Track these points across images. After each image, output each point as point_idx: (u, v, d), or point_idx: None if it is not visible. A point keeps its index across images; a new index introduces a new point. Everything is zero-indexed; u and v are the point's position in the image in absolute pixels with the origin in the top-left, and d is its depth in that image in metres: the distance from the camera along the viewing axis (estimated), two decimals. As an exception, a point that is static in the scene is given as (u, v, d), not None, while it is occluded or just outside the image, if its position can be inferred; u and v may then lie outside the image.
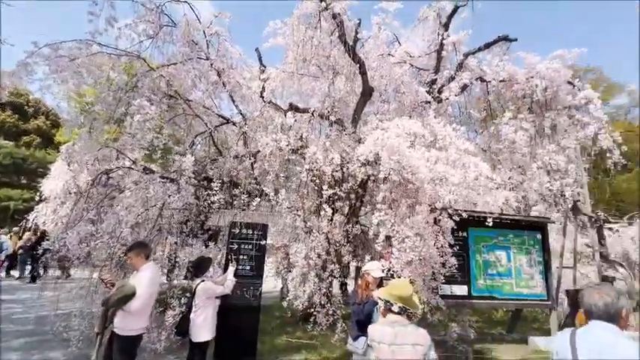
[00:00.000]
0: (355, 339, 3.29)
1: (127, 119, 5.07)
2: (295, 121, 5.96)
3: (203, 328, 3.66)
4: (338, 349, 5.31)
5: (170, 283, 5.16)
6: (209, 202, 5.15)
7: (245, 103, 6.72)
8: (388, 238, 3.93)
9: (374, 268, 3.47)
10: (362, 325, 3.28)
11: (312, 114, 5.57)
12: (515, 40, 6.28)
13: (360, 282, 3.56)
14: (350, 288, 6.65)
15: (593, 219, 7.29)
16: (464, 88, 6.51)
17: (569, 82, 5.83)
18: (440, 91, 6.43)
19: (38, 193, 12.06)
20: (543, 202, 7.57)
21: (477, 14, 6.23)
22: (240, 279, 5.00)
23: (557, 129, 5.94)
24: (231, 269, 4.31)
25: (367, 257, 4.28)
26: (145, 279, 3.09)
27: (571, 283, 7.91)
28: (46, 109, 27.46)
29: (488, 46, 6.52)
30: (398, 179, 3.97)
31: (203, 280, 3.77)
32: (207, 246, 5.45)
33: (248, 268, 5.13)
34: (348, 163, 4.69)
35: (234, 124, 6.58)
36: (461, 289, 6.28)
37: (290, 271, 6.49)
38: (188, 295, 4.74)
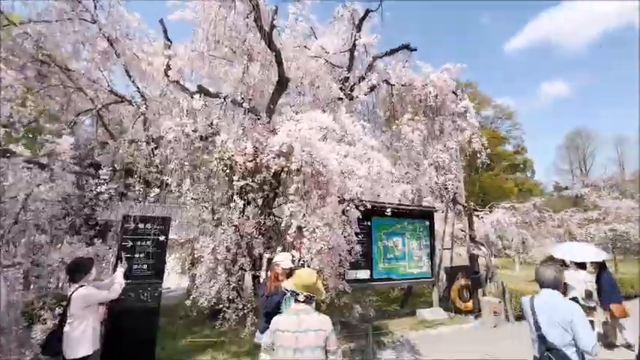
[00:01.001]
0: (262, 331, 3.27)
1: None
2: (205, 105, 5.51)
3: (80, 342, 3.08)
4: (247, 344, 5.22)
5: (41, 291, 4.24)
6: (96, 192, 4.38)
7: (145, 81, 5.90)
8: (300, 228, 4.00)
9: (283, 259, 3.49)
10: (270, 316, 3.27)
11: (225, 99, 5.24)
12: (415, 49, 7.05)
13: (269, 274, 3.55)
14: (262, 280, 6.60)
15: (466, 208, 8.83)
16: (372, 88, 7.03)
17: (454, 92, 6.87)
18: (351, 89, 6.80)
19: None
20: (432, 194, 8.82)
21: (388, 21, 6.77)
22: (136, 279, 4.46)
23: (444, 132, 6.94)
24: (120, 270, 3.70)
25: (279, 249, 4.28)
26: None
27: (449, 262, 9.52)
28: None
29: (393, 52, 7.16)
30: (310, 171, 4.06)
31: (82, 286, 3.18)
32: (91, 244, 4.64)
33: (145, 266, 4.58)
34: (261, 153, 4.58)
35: (130, 103, 5.71)
36: (364, 273, 6.89)
37: (196, 267, 6.08)
38: (63, 304, 4.02)
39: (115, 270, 4.23)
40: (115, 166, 4.75)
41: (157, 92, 5.73)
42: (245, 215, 4.97)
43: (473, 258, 8.33)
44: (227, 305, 4.64)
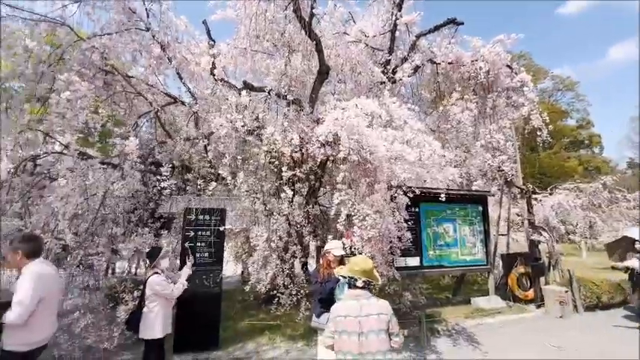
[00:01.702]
0: (319, 316, 3.39)
1: (52, 97, 4.43)
2: (250, 100, 5.70)
3: (154, 324, 3.40)
4: (302, 327, 5.44)
5: (121, 276, 4.79)
6: (159, 188, 4.78)
7: (194, 81, 6.23)
8: (349, 216, 4.02)
9: (335, 247, 3.55)
10: (324, 302, 3.38)
11: (269, 93, 5.36)
12: (462, 23, 6.57)
13: (321, 261, 3.63)
14: (311, 268, 6.78)
15: (524, 190, 8.19)
16: (416, 69, 6.71)
17: (508, 66, 6.31)
18: (394, 72, 6.56)
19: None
20: (482, 177, 8.31)
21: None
22: (200, 267, 4.84)
23: (497, 110, 6.44)
24: (186, 272, 3.94)
25: (329, 237, 4.35)
26: (24, 284, 2.48)
27: (505, 248, 8.96)
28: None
29: (437, 28, 6.74)
30: (357, 159, 4.04)
31: (156, 273, 3.53)
32: (159, 235, 5.11)
33: (207, 254, 4.95)
34: (307, 143, 4.64)
35: (183, 103, 6.08)
36: (414, 261, 6.76)
37: (251, 255, 6.40)
38: (141, 287, 4.48)
39: (182, 260, 4.64)
40: (174, 163, 5.12)
41: (206, 91, 6.02)
42: (293, 205, 5.10)
43: (533, 244, 7.76)
44: (282, 291, 4.85)
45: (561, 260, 8.31)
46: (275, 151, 4.81)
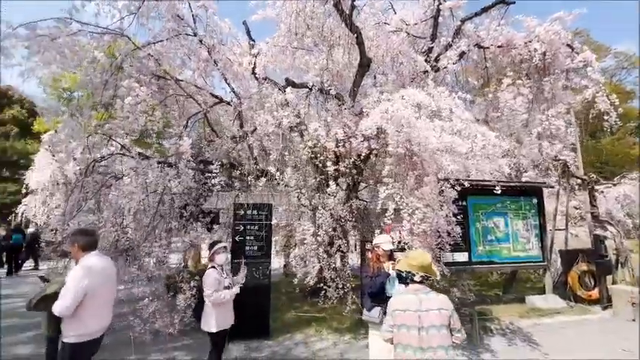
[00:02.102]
0: (370, 309, 3.39)
1: (115, 102, 4.83)
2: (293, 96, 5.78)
3: (210, 319, 3.42)
4: (348, 320, 5.49)
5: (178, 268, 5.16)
6: (209, 185, 5.04)
7: (237, 81, 6.44)
8: (397, 210, 3.95)
9: (384, 242, 3.51)
10: (375, 296, 3.37)
11: (311, 89, 5.40)
12: (513, 2, 6.10)
13: (370, 255, 3.61)
14: (351, 262, 6.76)
15: (585, 181, 7.50)
16: (461, 55, 6.36)
17: (568, 45, 5.76)
18: (437, 60, 6.28)
19: (24, 185, 11.73)
20: (534, 168, 7.71)
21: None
22: (249, 259, 5.06)
23: (555, 94, 5.93)
24: (241, 276, 3.81)
25: (376, 231, 4.30)
26: (71, 276, 2.51)
27: (562, 244, 8.27)
28: (19, 98, 26.00)
29: (485, 10, 6.32)
30: (403, 152, 3.95)
31: (213, 267, 3.64)
32: (210, 229, 5.40)
33: (256, 248, 5.15)
34: (350, 137, 4.62)
35: (228, 103, 6.32)
36: (462, 256, 6.50)
37: (292, 249, 6.55)
38: (197, 278, 4.78)
39: (234, 254, 4.84)
40: (222, 160, 5.36)
41: (252, 89, 6.20)
42: (337, 200, 5.12)
43: (597, 239, 7.09)
44: (329, 284, 4.91)
45: (631, 258, 7.51)
46: (318, 147, 4.85)
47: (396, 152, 3.91)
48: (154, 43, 5.25)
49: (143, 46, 5.34)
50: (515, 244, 6.92)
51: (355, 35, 5.38)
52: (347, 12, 5.20)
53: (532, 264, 7.11)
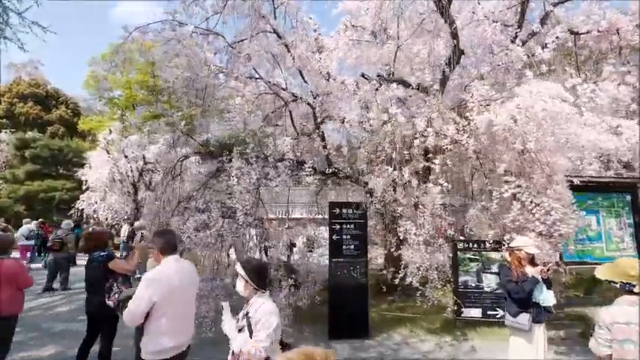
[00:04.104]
0: (515, 315, 3.24)
1: (212, 102, 4.87)
2: (376, 91, 5.63)
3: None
4: (437, 321, 5.35)
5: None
6: (305, 183, 5.01)
7: (316, 77, 6.35)
8: (525, 210, 3.75)
9: (527, 244, 3.33)
10: (521, 302, 3.22)
11: (403, 83, 5.23)
12: (617, -17, 5.63)
13: (511, 259, 3.43)
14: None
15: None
16: (553, 42, 5.95)
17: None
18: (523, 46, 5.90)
19: (84, 182, 12.32)
20: (619, 163, 7.14)
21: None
22: (346, 258, 5.02)
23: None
24: None
25: (514, 234, 4.10)
26: (142, 281, 2.22)
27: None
28: (65, 99, 27.33)
29: (581, -8, 5.89)
30: (531, 147, 3.72)
31: None
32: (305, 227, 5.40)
33: (352, 247, 5.09)
34: (463, 132, 4.43)
35: (308, 104, 6.23)
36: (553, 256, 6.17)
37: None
38: (293, 275, 4.80)
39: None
40: (314, 159, 5.32)
41: (328, 87, 6.09)
42: (436, 198, 4.96)
43: None
44: (429, 285, 4.78)
45: None
46: (422, 143, 4.69)
47: (521, 149, 3.69)
48: (241, 41, 5.23)
49: (233, 43, 5.35)
50: (608, 244, 6.49)
51: (450, 25, 5.14)
52: (444, 2, 4.97)
53: (626, 264, 6.66)
